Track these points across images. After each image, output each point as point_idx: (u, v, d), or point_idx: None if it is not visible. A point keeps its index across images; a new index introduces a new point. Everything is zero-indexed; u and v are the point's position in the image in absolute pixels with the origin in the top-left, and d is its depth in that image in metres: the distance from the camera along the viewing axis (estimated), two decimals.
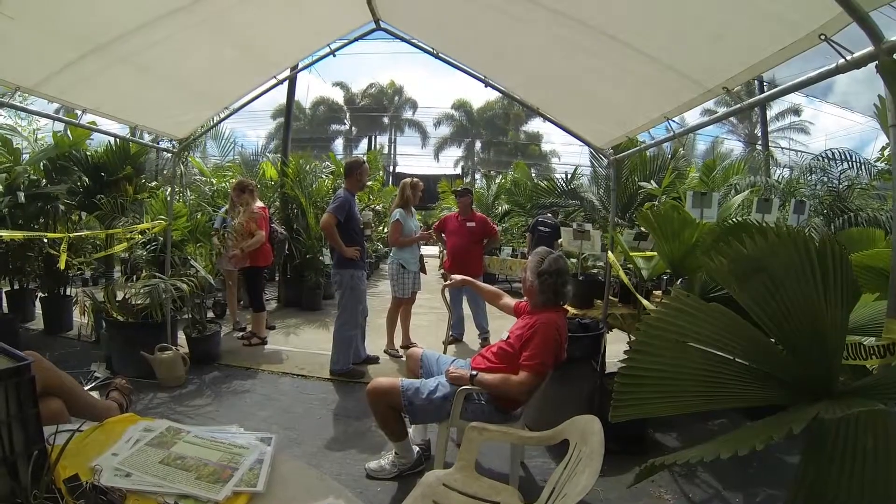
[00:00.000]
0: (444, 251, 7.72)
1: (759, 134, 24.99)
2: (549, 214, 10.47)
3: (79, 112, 3.88)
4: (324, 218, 4.90)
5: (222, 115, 5.00)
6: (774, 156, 15.23)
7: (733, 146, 31.20)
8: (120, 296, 5.06)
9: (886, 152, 7.33)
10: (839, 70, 1.88)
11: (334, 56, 4.18)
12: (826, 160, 7.77)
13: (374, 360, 5.52)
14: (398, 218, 5.66)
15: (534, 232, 9.90)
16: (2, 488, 1.13)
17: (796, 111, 31.73)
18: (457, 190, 7.18)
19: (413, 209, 5.98)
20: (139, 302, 4.85)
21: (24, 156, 6.50)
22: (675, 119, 3.23)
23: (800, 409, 1.46)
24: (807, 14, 1.91)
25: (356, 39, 4.21)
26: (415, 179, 6.01)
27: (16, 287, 6.51)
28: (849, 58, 1.82)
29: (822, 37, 1.88)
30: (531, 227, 10.26)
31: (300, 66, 4.96)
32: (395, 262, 5.81)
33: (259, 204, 6.21)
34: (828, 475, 1.45)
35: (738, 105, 2.79)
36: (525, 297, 3.31)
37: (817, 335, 1.64)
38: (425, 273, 5.96)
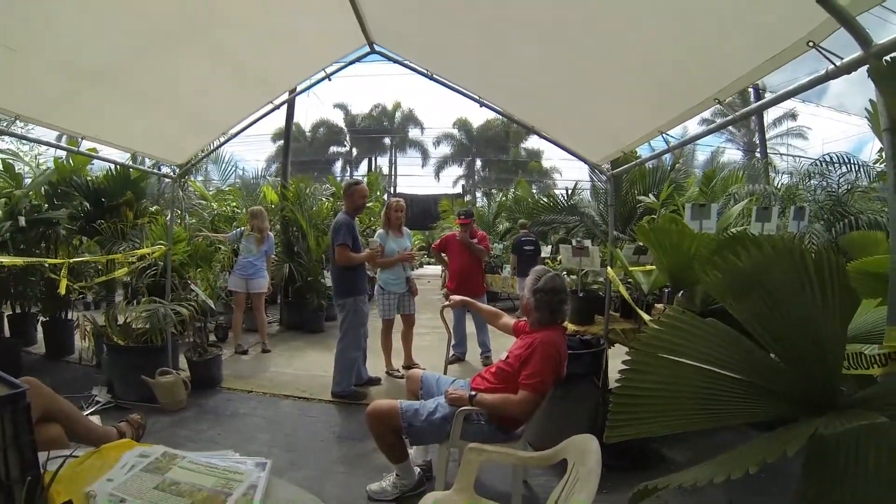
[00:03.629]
0: (446, 270, 7.66)
1: (758, 142, 25.07)
2: (525, 230, 10.36)
3: (79, 139, 3.91)
4: (337, 254, 4.91)
5: (221, 140, 5.04)
6: (773, 163, 15.19)
7: (734, 155, 31.29)
8: (121, 320, 5.07)
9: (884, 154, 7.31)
10: (829, 76, 1.87)
11: (329, 80, 4.21)
12: (824, 165, 7.75)
13: (377, 381, 5.49)
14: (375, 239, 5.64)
15: (519, 253, 9.80)
16: None
17: (793, 115, 31.73)
18: (460, 212, 7.14)
19: (405, 230, 5.94)
20: (140, 326, 4.86)
21: (25, 180, 6.55)
22: (671, 131, 3.24)
23: (798, 426, 1.43)
24: (793, 22, 1.90)
25: (351, 63, 4.25)
26: (397, 200, 6.01)
27: (17, 311, 6.51)
28: (839, 63, 1.80)
29: (811, 44, 1.87)
30: (514, 247, 10.16)
31: (298, 89, 4.99)
32: (377, 284, 5.83)
33: None
34: (829, 495, 1.41)
35: (731, 116, 2.78)
36: (524, 316, 3.31)
37: (816, 348, 1.62)
38: (415, 293, 5.88)
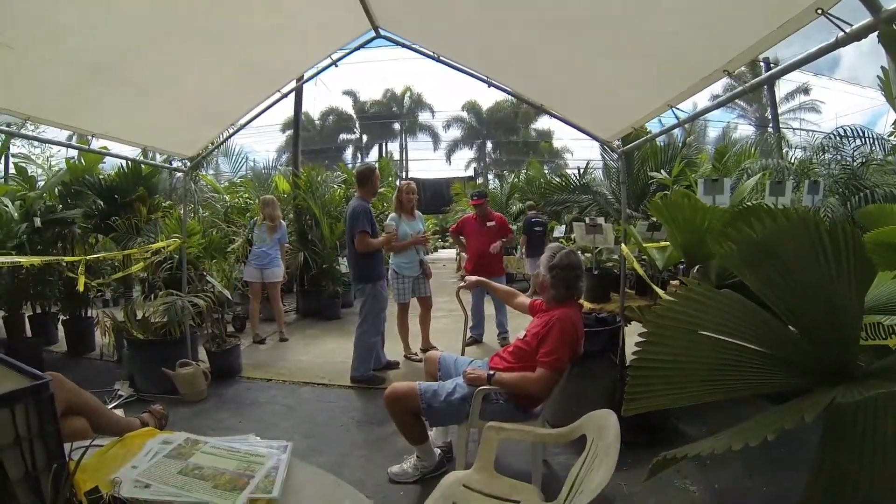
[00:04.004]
0: (461, 253, 7.65)
1: (770, 117, 24.69)
2: (535, 210, 10.39)
3: (89, 137, 3.94)
4: (357, 241, 4.93)
5: (230, 132, 5.05)
6: (786, 137, 14.93)
7: (746, 131, 30.81)
8: (140, 314, 5.13)
9: None
10: (839, 44, 1.82)
11: (336, 66, 4.18)
12: (838, 138, 7.60)
13: (395, 365, 5.53)
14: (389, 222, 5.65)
15: (530, 234, 9.82)
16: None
17: (805, 90, 31.19)
18: (473, 193, 7.14)
19: (417, 213, 5.92)
20: (158, 320, 4.92)
21: (38, 182, 6.63)
22: (681, 106, 3.19)
23: (816, 395, 1.42)
24: None
25: (357, 48, 4.23)
26: (408, 182, 5.99)
27: (38, 311, 6.61)
28: (848, 30, 1.76)
29: (819, 11, 1.82)
30: (524, 228, 10.17)
31: (305, 76, 4.98)
32: (391, 268, 5.84)
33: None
34: (847, 465, 1.40)
35: (741, 87, 2.74)
36: (540, 294, 3.30)
37: (832, 317, 1.61)
38: (429, 276, 5.87)
